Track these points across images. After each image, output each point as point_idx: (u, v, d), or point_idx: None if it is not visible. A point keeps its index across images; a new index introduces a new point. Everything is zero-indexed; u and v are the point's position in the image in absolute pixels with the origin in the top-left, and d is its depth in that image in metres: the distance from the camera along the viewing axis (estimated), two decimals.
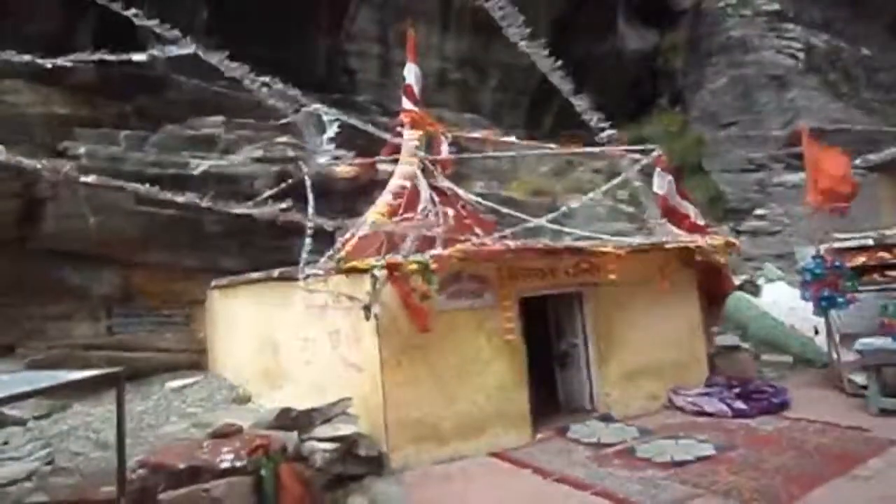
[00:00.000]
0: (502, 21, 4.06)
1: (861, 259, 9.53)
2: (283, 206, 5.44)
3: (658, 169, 9.85)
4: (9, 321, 9.78)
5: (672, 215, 9.75)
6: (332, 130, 6.98)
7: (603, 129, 6.70)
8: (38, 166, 5.01)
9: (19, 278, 9.89)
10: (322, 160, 8.66)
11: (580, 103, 5.96)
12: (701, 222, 9.87)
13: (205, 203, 5.05)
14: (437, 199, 8.92)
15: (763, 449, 6.56)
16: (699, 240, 9.10)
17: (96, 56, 4.59)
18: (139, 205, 10.11)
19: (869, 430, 6.93)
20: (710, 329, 10.05)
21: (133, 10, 4.18)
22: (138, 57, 4.67)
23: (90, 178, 5.00)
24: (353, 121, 7.19)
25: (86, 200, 9.85)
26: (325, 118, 6.85)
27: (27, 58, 4.56)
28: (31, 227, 9.95)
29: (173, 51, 4.39)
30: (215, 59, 4.51)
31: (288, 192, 9.07)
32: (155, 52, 4.53)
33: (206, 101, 12.53)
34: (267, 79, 5.02)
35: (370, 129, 7.81)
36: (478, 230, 8.30)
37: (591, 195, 9.85)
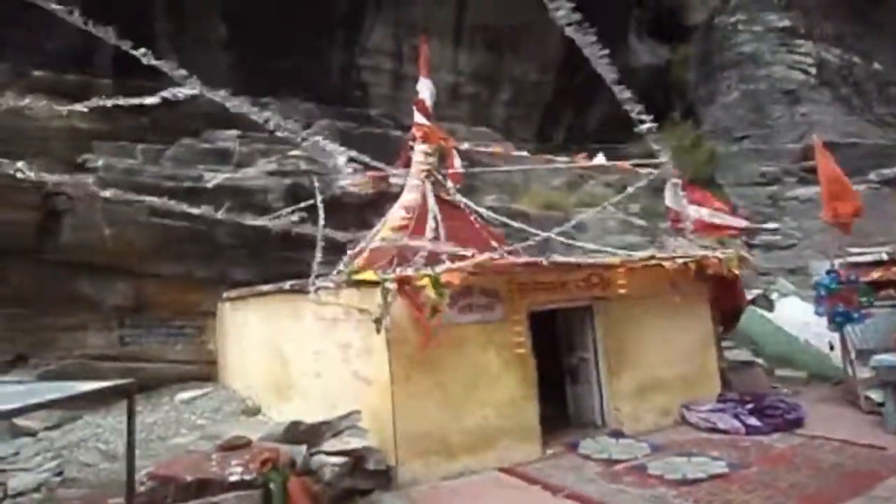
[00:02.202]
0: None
1: (876, 274, 9.40)
2: (295, 218, 5.49)
3: (669, 182, 9.83)
4: (22, 331, 9.89)
5: (699, 227, 9.74)
6: (341, 158, 7.01)
7: (643, 122, 6.67)
8: (64, 180, 5.11)
9: (34, 289, 10.01)
10: (342, 182, 8.74)
11: (621, 93, 5.92)
12: (738, 223, 9.87)
13: (220, 215, 5.11)
14: (441, 214, 8.92)
15: (777, 467, 6.46)
16: (710, 254, 9.05)
17: (112, 102, 4.69)
18: (153, 217, 10.24)
19: (886, 448, 6.80)
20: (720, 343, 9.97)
21: (143, 50, 4.27)
22: (151, 101, 4.79)
23: (107, 193, 5.07)
24: (365, 158, 7.25)
25: (101, 212, 9.99)
26: (329, 149, 6.90)
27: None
28: (48, 239, 10.08)
29: (183, 93, 4.49)
30: (218, 97, 4.58)
31: (300, 204, 9.16)
32: (166, 94, 4.63)
33: (222, 115, 12.66)
34: (269, 114, 5.11)
35: (381, 165, 7.86)
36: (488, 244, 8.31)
37: (601, 208, 9.84)
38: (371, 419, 6.81)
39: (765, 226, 9.82)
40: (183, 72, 4.51)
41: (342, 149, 6.68)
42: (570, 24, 4.38)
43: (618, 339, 8.39)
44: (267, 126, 5.06)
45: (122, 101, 4.74)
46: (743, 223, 9.95)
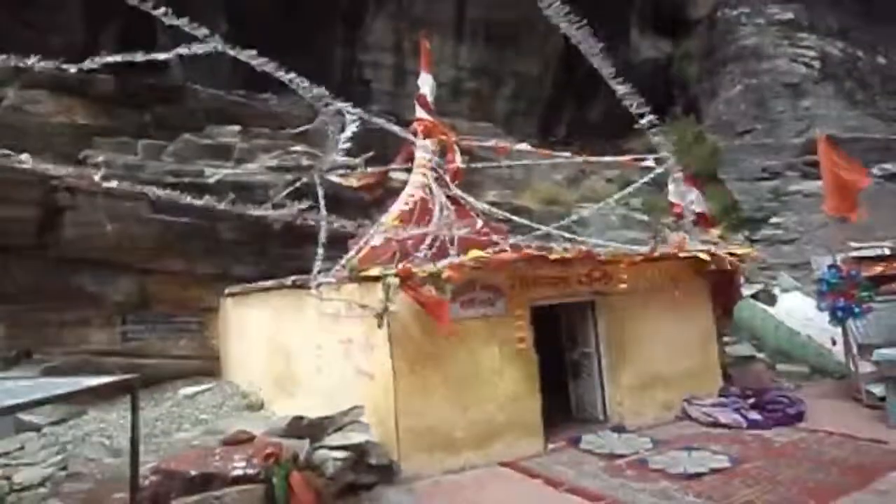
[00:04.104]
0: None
1: (878, 269, 9.38)
2: (301, 206, 5.48)
3: (672, 177, 9.83)
4: (26, 327, 9.92)
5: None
6: (351, 129, 7.00)
7: (642, 115, 6.66)
8: (64, 173, 5.10)
9: (37, 284, 10.04)
10: (337, 157, 8.72)
11: (622, 89, 5.89)
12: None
13: (223, 206, 5.11)
14: (450, 207, 8.92)
15: (779, 461, 6.47)
16: (713, 249, 9.05)
17: (119, 57, 4.67)
18: (155, 213, 10.25)
19: (887, 442, 6.82)
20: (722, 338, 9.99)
21: (161, 10, 4.26)
22: (163, 56, 4.76)
23: (113, 184, 5.07)
24: (375, 119, 7.21)
25: (103, 209, 10.00)
26: (347, 117, 6.90)
27: (50, 64, 4.65)
28: (50, 235, 10.11)
29: (198, 48, 4.47)
30: (244, 55, 4.57)
31: (302, 199, 9.11)
32: (181, 50, 4.60)
33: (223, 111, 12.71)
34: (292, 75, 5.09)
35: (394, 128, 7.83)
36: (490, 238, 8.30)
37: (603, 203, 9.84)
38: (373, 414, 6.83)
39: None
40: (205, 30, 4.50)
41: (353, 114, 6.65)
42: (566, 22, 4.36)
43: (619, 333, 8.40)
44: (298, 88, 5.02)
45: (139, 58, 4.71)
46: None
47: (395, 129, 7.92)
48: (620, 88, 5.90)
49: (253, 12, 13.61)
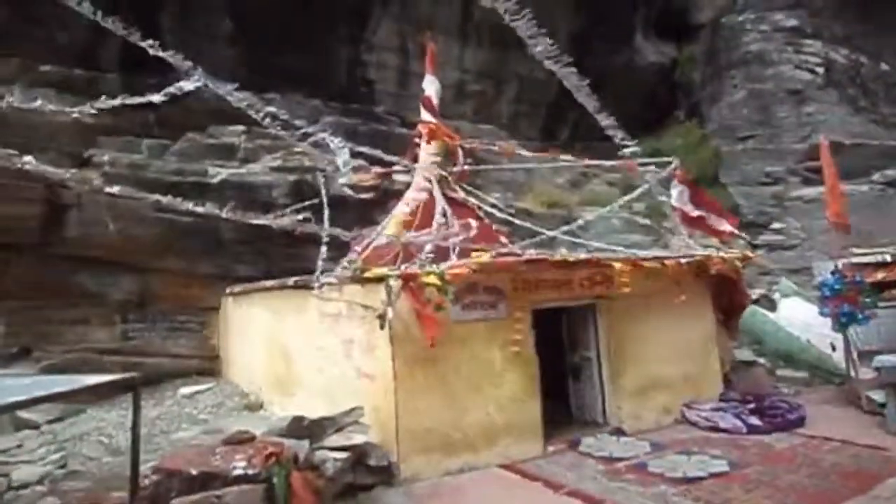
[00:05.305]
0: (528, 38, 4.09)
1: (880, 275, 9.38)
2: (301, 217, 5.51)
3: (675, 181, 9.82)
4: (27, 324, 9.93)
5: (696, 224, 9.72)
6: (344, 155, 6.99)
7: (626, 146, 6.71)
8: (67, 176, 5.14)
9: (38, 282, 10.05)
10: (342, 181, 8.75)
11: (604, 119, 5.96)
12: (726, 228, 9.79)
13: (225, 213, 5.14)
14: (451, 210, 8.94)
15: (778, 466, 6.47)
16: (713, 253, 9.04)
17: (120, 101, 4.72)
18: (158, 212, 10.26)
19: (887, 449, 6.81)
20: (729, 344, 9.97)
21: (150, 41, 4.29)
22: (158, 98, 4.83)
23: (115, 189, 5.11)
24: (362, 148, 7.24)
25: (107, 207, 10.01)
26: (332, 146, 6.87)
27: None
28: (54, 233, 10.11)
29: (187, 87, 4.52)
30: (223, 90, 4.61)
31: (304, 200, 9.14)
32: (171, 89, 4.67)
33: (227, 111, 12.67)
34: (274, 110, 5.13)
35: (382, 155, 7.88)
36: (493, 241, 8.31)
37: (607, 208, 9.83)
38: (374, 415, 6.84)
39: (741, 234, 9.77)
40: (189, 63, 4.54)
41: (340, 140, 6.66)
42: (549, 58, 4.45)
43: (620, 337, 8.40)
44: (267, 123, 5.09)
45: (129, 101, 4.77)
46: (726, 227, 9.81)
47: (383, 154, 7.97)
48: (606, 122, 5.97)
49: (256, 11, 13.59)
